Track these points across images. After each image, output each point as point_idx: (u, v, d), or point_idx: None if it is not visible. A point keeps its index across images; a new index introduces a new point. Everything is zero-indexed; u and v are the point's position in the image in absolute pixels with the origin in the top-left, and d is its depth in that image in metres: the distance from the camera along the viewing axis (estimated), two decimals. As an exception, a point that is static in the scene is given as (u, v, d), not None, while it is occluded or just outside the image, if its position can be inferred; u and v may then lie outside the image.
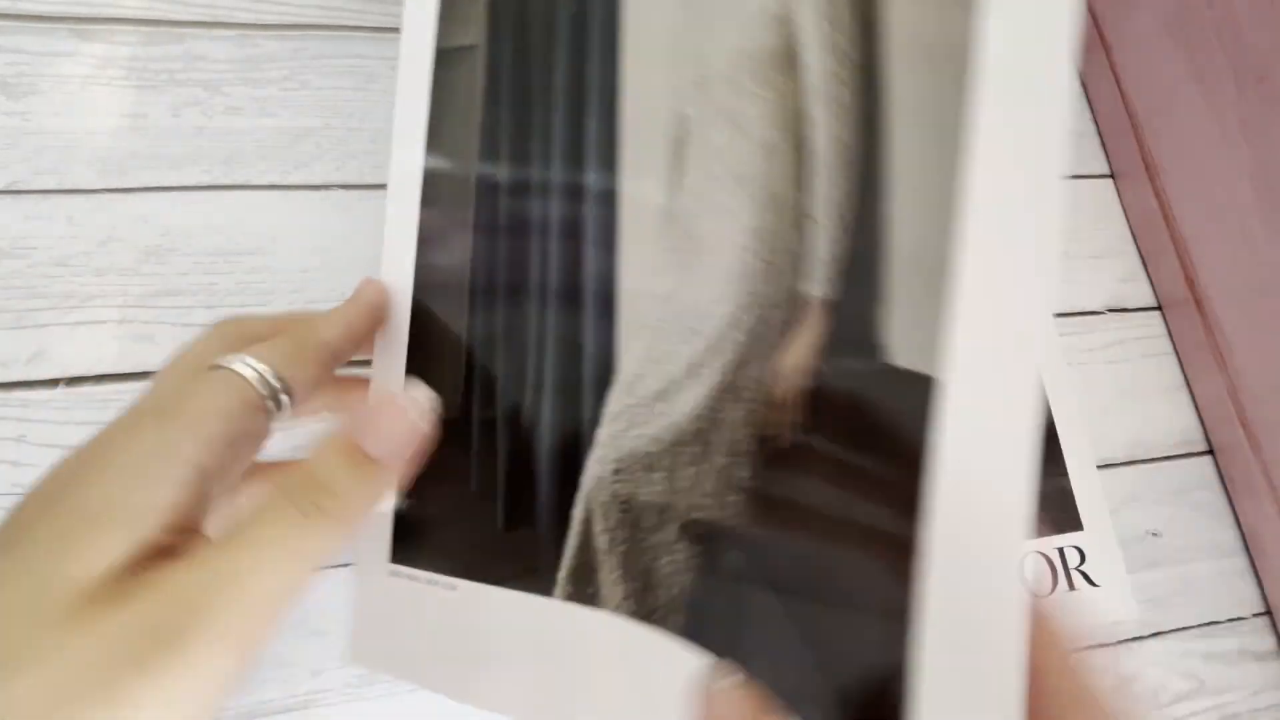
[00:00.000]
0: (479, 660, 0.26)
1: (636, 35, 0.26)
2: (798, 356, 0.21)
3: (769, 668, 0.20)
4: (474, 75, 0.28)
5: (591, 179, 0.27)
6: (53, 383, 0.35)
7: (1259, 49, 0.39)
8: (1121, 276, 0.47)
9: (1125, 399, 0.45)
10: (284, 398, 0.21)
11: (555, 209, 0.27)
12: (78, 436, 0.34)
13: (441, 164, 0.29)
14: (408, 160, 0.29)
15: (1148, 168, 0.46)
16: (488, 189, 0.28)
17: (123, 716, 0.14)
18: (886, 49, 0.21)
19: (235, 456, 0.20)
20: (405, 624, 0.27)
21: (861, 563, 0.19)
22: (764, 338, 0.22)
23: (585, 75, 0.27)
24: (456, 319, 0.28)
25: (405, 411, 0.22)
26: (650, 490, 0.24)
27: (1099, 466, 0.42)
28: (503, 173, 0.28)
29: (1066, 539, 0.40)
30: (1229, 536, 0.43)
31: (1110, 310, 0.46)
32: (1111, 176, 0.49)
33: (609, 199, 0.26)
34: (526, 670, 0.26)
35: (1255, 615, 0.42)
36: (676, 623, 0.23)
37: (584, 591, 0.25)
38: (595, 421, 0.25)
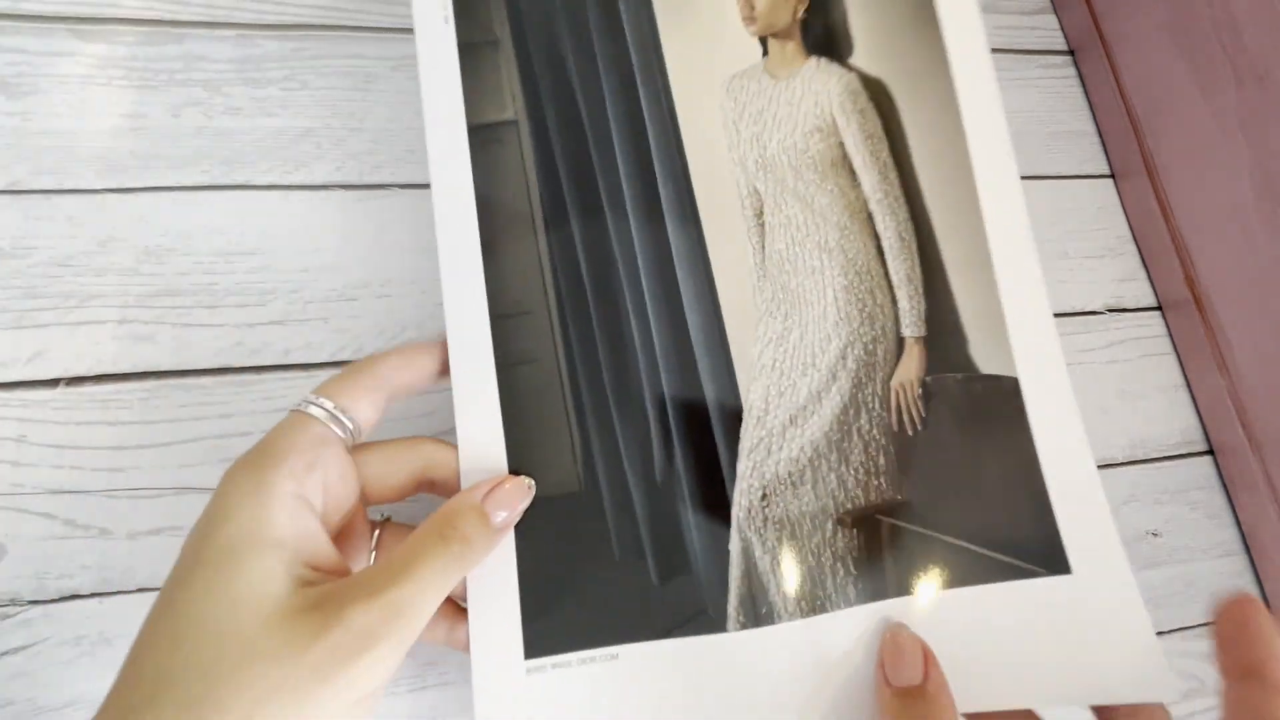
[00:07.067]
0: (657, 716, 0.26)
1: (689, 115, 0.30)
2: (907, 375, 0.29)
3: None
4: (517, 149, 0.30)
5: (677, 239, 0.29)
6: (53, 383, 0.35)
7: (1259, 49, 0.39)
8: (1121, 276, 0.47)
9: (1125, 399, 0.45)
10: (348, 422, 0.25)
11: (643, 266, 0.29)
12: (78, 436, 0.34)
13: (501, 237, 0.29)
14: (462, 233, 0.29)
15: (1148, 168, 0.47)
16: (563, 253, 0.29)
17: (331, 696, 0.20)
18: (912, 158, 0.30)
19: (327, 478, 0.24)
20: (557, 715, 0.26)
21: (1000, 497, 0.29)
22: (873, 365, 0.29)
23: (646, 144, 0.30)
24: (550, 388, 0.29)
25: (522, 489, 0.27)
26: (801, 504, 0.28)
27: (1099, 466, 0.42)
28: (576, 234, 0.29)
29: (1066, 539, 0.40)
30: (1229, 536, 0.43)
31: (1110, 310, 0.46)
32: (1111, 176, 0.49)
33: (699, 256, 0.29)
34: (715, 709, 0.26)
35: (1255, 615, 0.42)
36: (849, 595, 0.27)
37: (756, 614, 0.27)
38: (733, 459, 0.28)
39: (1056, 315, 0.45)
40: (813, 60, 0.31)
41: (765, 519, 0.28)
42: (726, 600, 0.27)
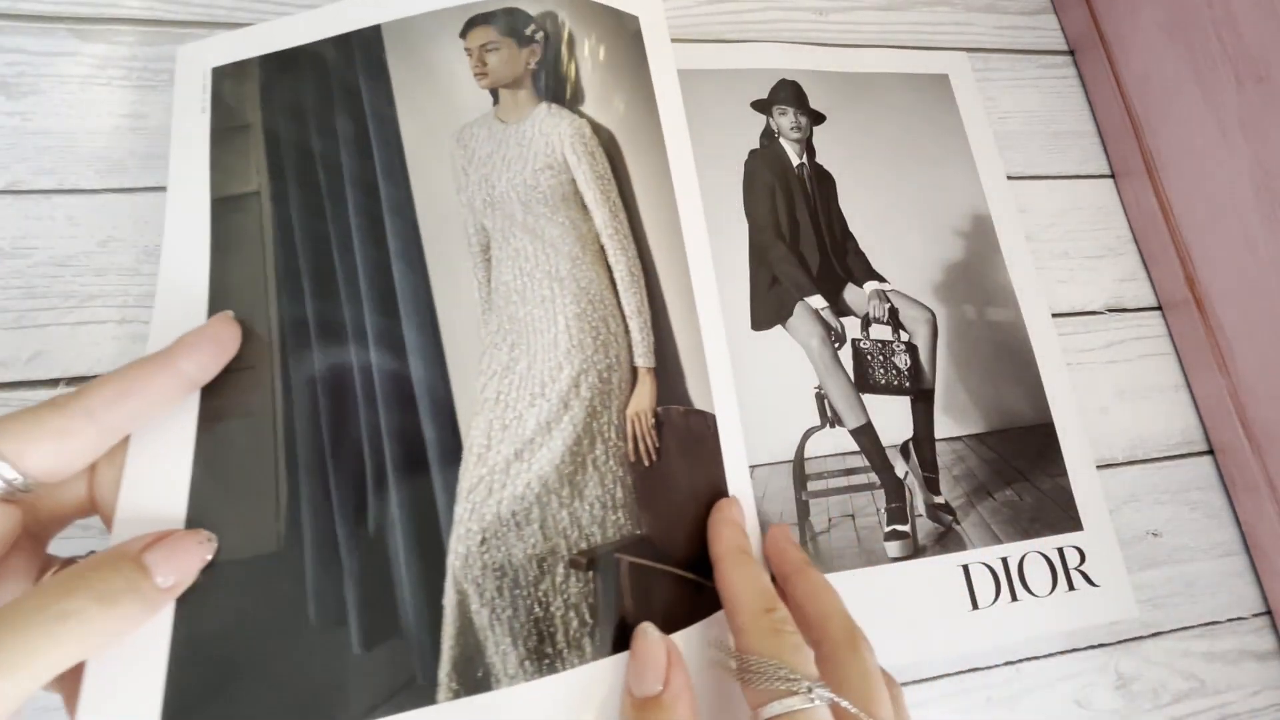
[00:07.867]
0: None
1: (420, 166, 0.31)
2: (641, 404, 0.29)
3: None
4: (258, 217, 0.31)
5: (402, 284, 0.29)
6: (53, 383, 0.35)
7: (1259, 49, 0.39)
8: (1121, 276, 0.47)
9: (1125, 399, 0.45)
10: (11, 475, 0.21)
11: (368, 315, 0.29)
12: (78, 436, 0.34)
13: (228, 296, 0.29)
14: (189, 291, 0.29)
15: (1148, 168, 0.47)
16: (292, 309, 0.29)
17: None
18: (637, 202, 0.31)
19: None
20: None
21: (703, 526, 0.28)
22: (609, 393, 0.29)
23: (377, 199, 0.30)
24: (262, 443, 0.26)
25: (196, 543, 0.23)
26: (525, 546, 0.26)
27: (1099, 466, 0.42)
28: (306, 290, 0.29)
29: (1066, 539, 0.40)
30: (1229, 536, 0.43)
31: (1110, 310, 0.46)
32: (1112, 176, 0.49)
33: (423, 297, 0.29)
34: None
35: (1255, 615, 0.42)
36: (585, 650, 0.25)
37: (472, 679, 0.24)
38: (451, 502, 0.26)
39: (1056, 315, 0.45)
40: (544, 105, 0.32)
41: (484, 566, 0.25)
42: (438, 664, 0.24)
